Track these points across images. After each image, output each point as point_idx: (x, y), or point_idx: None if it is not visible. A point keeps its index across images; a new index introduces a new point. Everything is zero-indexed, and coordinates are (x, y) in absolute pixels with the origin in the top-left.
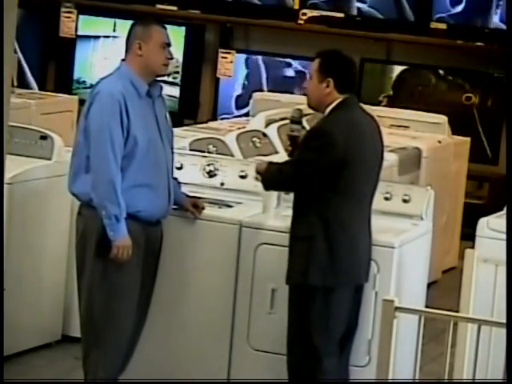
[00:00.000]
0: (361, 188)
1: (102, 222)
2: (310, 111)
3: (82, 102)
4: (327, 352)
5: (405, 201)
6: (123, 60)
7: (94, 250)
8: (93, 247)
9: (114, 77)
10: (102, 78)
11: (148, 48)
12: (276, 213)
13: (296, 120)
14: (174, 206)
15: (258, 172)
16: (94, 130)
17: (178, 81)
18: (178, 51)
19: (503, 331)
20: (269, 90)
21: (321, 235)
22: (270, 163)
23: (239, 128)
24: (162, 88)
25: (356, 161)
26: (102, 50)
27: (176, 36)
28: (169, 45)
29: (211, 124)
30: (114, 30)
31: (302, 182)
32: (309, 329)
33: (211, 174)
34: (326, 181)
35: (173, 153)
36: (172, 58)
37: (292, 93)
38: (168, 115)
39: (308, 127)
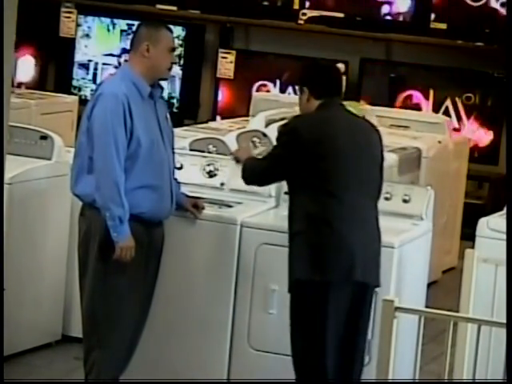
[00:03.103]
0: (344, 185)
1: (105, 223)
2: None
3: (82, 102)
4: (324, 352)
5: (405, 201)
6: (126, 60)
7: (96, 250)
8: (96, 248)
9: (116, 78)
10: (103, 80)
11: (156, 51)
12: (276, 213)
13: None
14: (174, 207)
15: (236, 158)
16: (97, 131)
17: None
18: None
19: (503, 331)
20: None
21: (306, 231)
22: (252, 157)
23: (239, 128)
24: (163, 89)
25: (329, 156)
26: None
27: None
28: (174, 49)
29: (211, 124)
30: None
31: (272, 177)
32: (304, 327)
33: (211, 174)
34: (304, 177)
35: (173, 153)
36: (176, 63)
37: None
38: (169, 116)
39: None
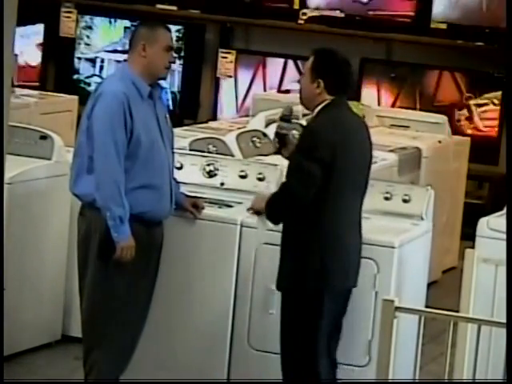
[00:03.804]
0: (350, 189)
1: (104, 223)
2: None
3: (82, 102)
4: (320, 354)
5: (405, 201)
6: (125, 60)
7: (96, 250)
8: (95, 248)
9: (116, 78)
10: (103, 79)
11: (152, 50)
12: None
13: (286, 118)
14: (174, 206)
15: (255, 211)
16: (97, 130)
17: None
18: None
19: (503, 331)
20: None
21: (313, 239)
22: (269, 198)
23: (239, 128)
24: (162, 89)
25: (344, 161)
26: None
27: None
28: (172, 48)
29: (211, 124)
30: None
31: (306, 188)
32: (302, 332)
33: (211, 174)
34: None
35: (173, 153)
36: (174, 62)
37: None
38: (168, 116)
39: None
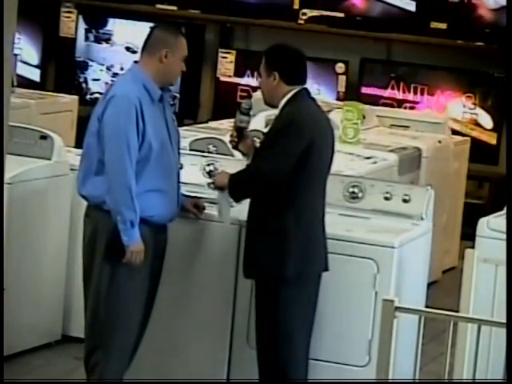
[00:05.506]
0: (321, 179)
1: (111, 225)
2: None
3: (82, 102)
4: (303, 343)
5: (405, 201)
6: (136, 62)
7: (103, 252)
8: (102, 249)
9: (128, 80)
10: (113, 81)
11: (173, 58)
12: None
13: (245, 111)
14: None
15: (219, 187)
16: (110, 133)
17: None
18: None
19: (503, 331)
20: None
21: (294, 227)
22: (232, 174)
23: None
24: (170, 92)
25: (317, 150)
26: None
27: None
28: (186, 57)
29: (211, 124)
30: None
31: (280, 174)
32: (286, 319)
33: (211, 174)
34: (296, 171)
35: (179, 155)
36: (185, 70)
37: None
38: (174, 118)
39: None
